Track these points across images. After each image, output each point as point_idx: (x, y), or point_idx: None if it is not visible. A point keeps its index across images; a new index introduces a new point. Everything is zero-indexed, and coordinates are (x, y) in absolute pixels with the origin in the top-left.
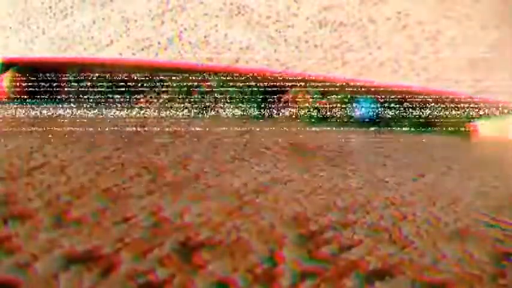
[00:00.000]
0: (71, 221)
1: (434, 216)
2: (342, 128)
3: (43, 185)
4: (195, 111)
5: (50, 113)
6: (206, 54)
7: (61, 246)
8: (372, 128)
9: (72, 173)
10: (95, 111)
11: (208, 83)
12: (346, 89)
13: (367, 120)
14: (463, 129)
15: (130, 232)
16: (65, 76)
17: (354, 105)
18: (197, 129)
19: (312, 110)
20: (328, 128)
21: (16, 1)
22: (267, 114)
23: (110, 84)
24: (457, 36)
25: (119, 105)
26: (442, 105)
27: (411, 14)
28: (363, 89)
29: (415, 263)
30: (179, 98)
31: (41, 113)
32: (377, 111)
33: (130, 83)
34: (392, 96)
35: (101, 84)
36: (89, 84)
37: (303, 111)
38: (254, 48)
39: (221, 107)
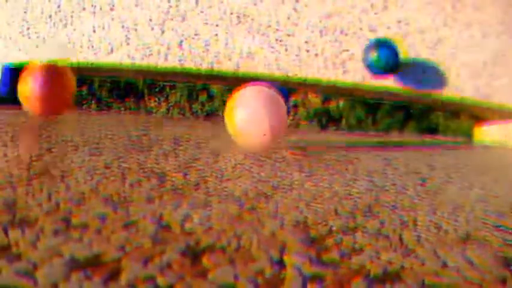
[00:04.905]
0: (72, 227)
1: (436, 223)
2: (345, 133)
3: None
4: (198, 116)
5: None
6: (207, 63)
7: (61, 254)
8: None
9: (73, 180)
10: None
11: (212, 89)
12: (352, 92)
13: (387, 67)
14: (465, 134)
15: (131, 239)
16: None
17: (371, 48)
18: (199, 134)
19: (316, 114)
20: (332, 133)
21: (16, 10)
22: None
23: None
24: (458, 45)
25: (124, 108)
26: (444, 111)
27: (412, 23)
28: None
29: (416, 270)
30: (184, 103)
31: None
32: (398, 59)
33: (136, 87)
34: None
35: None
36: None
37: (307, 116)
38: (254, 57)
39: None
